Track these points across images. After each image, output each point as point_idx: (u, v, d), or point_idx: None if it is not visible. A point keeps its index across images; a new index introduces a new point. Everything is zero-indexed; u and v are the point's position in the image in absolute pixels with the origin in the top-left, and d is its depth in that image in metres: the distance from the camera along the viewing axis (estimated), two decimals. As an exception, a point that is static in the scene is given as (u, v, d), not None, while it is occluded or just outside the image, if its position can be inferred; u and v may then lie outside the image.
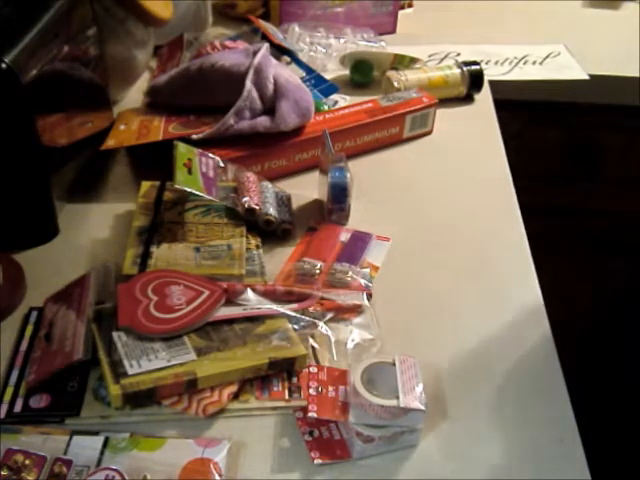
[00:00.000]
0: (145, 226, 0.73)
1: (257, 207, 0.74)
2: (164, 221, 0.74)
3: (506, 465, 0.54)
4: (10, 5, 0.71)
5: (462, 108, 1.05)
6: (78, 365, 0.57)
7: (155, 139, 0.83)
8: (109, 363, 0.57)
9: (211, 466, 0.51)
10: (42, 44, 0.70)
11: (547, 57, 1.22)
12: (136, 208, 0.76)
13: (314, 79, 1.01)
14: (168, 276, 0.65)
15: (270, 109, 0.85)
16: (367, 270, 0.72)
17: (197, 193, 0.72)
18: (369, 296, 0.68)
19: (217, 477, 0.51)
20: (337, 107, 0.98)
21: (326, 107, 0.97)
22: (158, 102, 0.93)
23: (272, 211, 0.76)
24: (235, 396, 0.57)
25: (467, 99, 1.06)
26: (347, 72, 1.10)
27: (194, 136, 0.81)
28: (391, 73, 1.03)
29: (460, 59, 1.09)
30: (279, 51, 1.04)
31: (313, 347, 0.62)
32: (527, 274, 0.73)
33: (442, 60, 1.20)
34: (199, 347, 0.58)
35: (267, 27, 1.09)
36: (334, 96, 1.02)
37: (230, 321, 0.62)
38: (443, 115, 0.98)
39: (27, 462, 0.51)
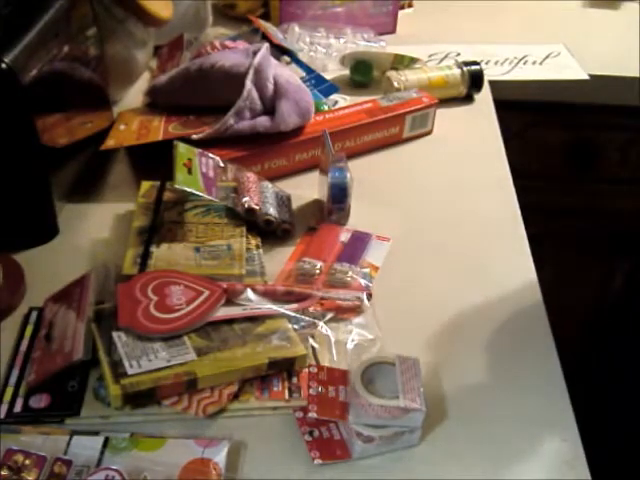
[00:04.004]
0: (145, 226, 0.73)
1: (257, 207, 0.74)
2: (164, 221, 0.74)
3: (506, 465, 0.54)
4: (10, 5, 0.71)
5: (462, 108, 1.05)
6: (78, 365, 0.57)
7: (155, 139, 0.83)
8: (109, 363, 0.57)
9: (211, 466, 0.51)
10: (42, 44, 0.70)
11: (547, 57, 1.22)
12: (136, 208, 0.76)
13: (314, 79, 1.01)
14: (168, 276, 0.65)
15: (270, 109, 0.85)
16: (367, 270, 0.72)
17: (197, 193, 0.72)
18: (369, 296, 0.68)
19: (217, 477, 0.51)
20: (337, 107, 0.98)
21: (326, 107, 0.97)
22: (158, 102, 0.93)
23: (272, 211, 0.76)
24: (235, 396, 0.57)
25: (467, 99, 1.06)
26: (347, 72, 1.10)
27: (194, 136, 0.81)
28: (391, 73, 1.03)
29: (460, 59, 1.09)
30: (279, 51, 1.04)
31: (313, 347, 0.62)
32: (527, 274, 0.73)
33: (442, 60, 1.20)
34: (199, 347, 0.58)
35: (267, 27, 1.09)
36: (334, 96, 1.02)
37: (230, 321, 0.62)
38: (443, 115, 0.98)
39: (27, 462, 0.51)
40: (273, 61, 0.89)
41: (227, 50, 0.98)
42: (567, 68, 1.19)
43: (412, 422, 0.53)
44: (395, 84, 1.01)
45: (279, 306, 0.64)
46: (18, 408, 0.56)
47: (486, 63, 1.19)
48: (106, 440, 0.53)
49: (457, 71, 1.04)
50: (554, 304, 0.72)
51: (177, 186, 0.71)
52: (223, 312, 0.62)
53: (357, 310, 0.67)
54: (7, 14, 0.70)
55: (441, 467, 0.54)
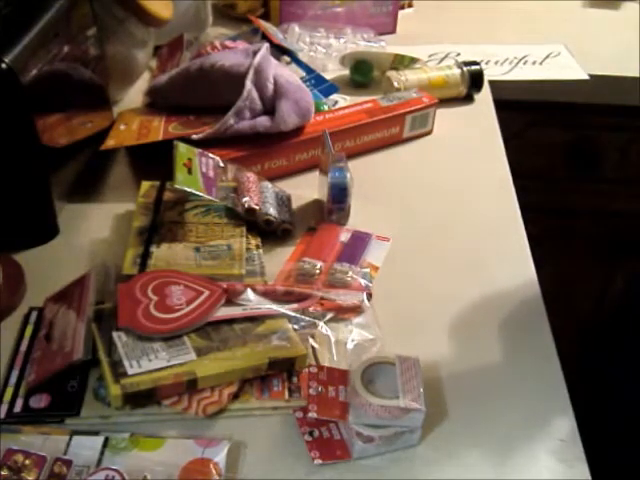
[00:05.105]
0: (145, 226, 0.73)
1: (257, 207, 0.74)
2: (164, 221, 0.74)
3: (506, 465, 0.54)
4: (10, 5, 0.71)
5: (462, 108, 1.05)
6: (78, 365, 0.57)
7: (155, 139, 0.83)
8: (109, 363, 0.57)
9: (211, 466, 0.51)
10: (42, 44, 0.70)
11: (547, 57, 1.22)
12: (136, 208, 0.76)
13: (314, 79, 1.01)
14: (168, 276, 0.65)
15: (270, 109, 0.85)
16: (367, 270, 0.72)
17: (197, 193, 0.72)
18: (369, 296, 0.68)
19: (217, 477, 0.51)
20: (337, 107, 0.98)
21: (326, 107, 0.97)
22: (158, 102, 0.93)
23: (272, 211, 0.76)
24: (235, 396, 0.57)
25: (467, 99, 1.06)
26: (347, 72, 1.10)
27: (194, 136, 0.81)
28: (391, 73, 1.03)
29: (460, 59, 1.09)
30: (279, 51, 1.04)
31: (313, 347, 0.62)
32: (527, 274, 0.73)
33: (442, 60, 1.20)
34: (199, 347, 0.58)
35: (267, 27, 1.09)
36: (334, 96, 1.02)
37: (230, 321, 0.62)
38: (443, 115, 0.98)
39: (27, 462, 0.51)
40: (273, 61, 0.89)
41: (227, 50, 0.98)
42: (567, 68, 1.19)
43: (412, 422, 0.53)
44: (395, 84, 1.01)
45: (279, 306, 0.64)
46: (18, 408, 0.56)
47: (486, 63, 1.19)
48: (106, 440, 0.53)
49: (457, 71, 1.04)
50: (554, 304, 0.72)
51: (177, 186, 0.71)
52: (223, 312, 0.62)
53: (357, 310, 0.67)
54: (7, 14, 0.70)
55: (441, 467, 0.54)
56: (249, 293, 0.65)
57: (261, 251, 0.73)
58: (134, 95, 1.04)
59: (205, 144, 0.81)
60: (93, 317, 0.61)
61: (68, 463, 0.51)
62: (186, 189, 0.71)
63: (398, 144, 0.95)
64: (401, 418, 0.53)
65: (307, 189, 0.84)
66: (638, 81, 1.13)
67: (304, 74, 1.02)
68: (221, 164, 0.79)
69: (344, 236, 0.76)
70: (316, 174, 0.84)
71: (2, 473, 0.50)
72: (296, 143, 0.86)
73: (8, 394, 0.57)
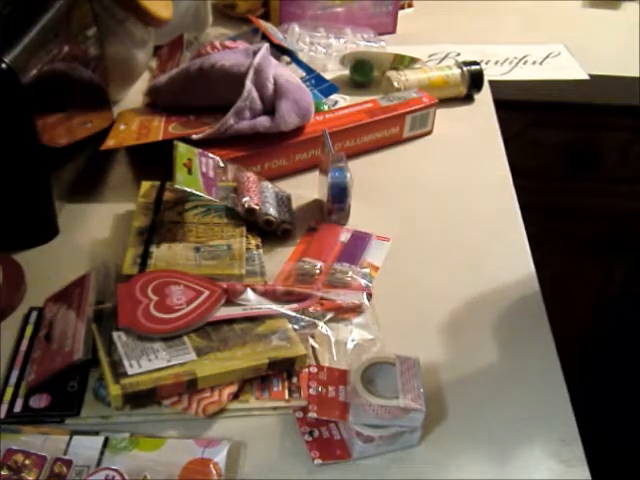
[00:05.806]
0: (145, 226, 0.73)
1: (257, 207, 0.74)
2: (164, 221, 0.74)
3: (506, 465, 0.54)
4: (10, 5, 0.71)
5: (462, 108, 1.05)
6: (78, 365, 0.57)
7: (155, 139, 0.83)
8: (109, 363, 0.57)
9: (211, 466, 0.51)
10: (42, 44, 0.70)
11: (547, 57, 1.22)
12: (136, 208, 0.76)
13: (314, 79, 1.01)
14: (168, 276, 0.65)
15: (270, 109, 0.85)
16: (367, 270, 0.72)
17: (197, 193, 0.72)
18: (369, 296, 0.68)
19: (217, 477, 0.51)
20: (337, 107, 0.98)
21: (326, 107, 0.97)
22: (158, 102, 0.93)
23: (272, 211, 0.76)
24: (235, 396, 0.57)
25: (467, 99, 1.06)
26: (347, 72, 1.10)
27: (194, 136, 0.81)
28: (391, 73, 1.03)
29: (460, 59, 1.09)
30: (279, 51, 1.04)
31: (313, 347, 0.62)
32: (527, 274, 0.73)
33: (442, 60, 1.20)
34: (199, 347, 0.58)
35: (267, 27, 1.09)
36: (334, 96, 1.02)
37: (230, 321, 0.62)
38: (443, 115, 0.98)
39: (27, 462, 0.51)
40: (273, 61, 0.89)
41: (227, 50, 0.98)
42: (567, 68, 1.19)
43: (412, 422, 0.53)
44: (395, 84, 1.01)
45: (279, 306, 0.64)
46: (18, 408, 0.56)
47: (486, 63, 1.19)
48: (106, 440, 0.53)
49: (457, 71, 1.04)
50: (554, 304, 0.72)
51: (177, 186, 0.71)
52: (223, 312, 0.62)
53: (357, 310, 0.67)
54: (7, 14, 0.70)
55: (441, 467, 0.54)
56: (249, 293, 0.65)
57: (261, 251, 0.73)
58: (134, 95, 1.04)
59: (205, 144, 0.81)
60: (93, 317, 0.61)
61: (68, 463, 0.51)
62: (186, 189, 0.71)
63: (398, 144, 0.95)
64: (401, 418, 0.53)
65: (307, 189, 0.84)
66: (638, 81, 1.13)
67: (304, 74, 1.02)
68: (221, 164, 0.79)
69: (344, 236, 0.76)
70: (316, 174, 0.84)
71: (2, 473, 0.50)
72: (296, 143, 0.86)
73: (8, 394, 0.57)
